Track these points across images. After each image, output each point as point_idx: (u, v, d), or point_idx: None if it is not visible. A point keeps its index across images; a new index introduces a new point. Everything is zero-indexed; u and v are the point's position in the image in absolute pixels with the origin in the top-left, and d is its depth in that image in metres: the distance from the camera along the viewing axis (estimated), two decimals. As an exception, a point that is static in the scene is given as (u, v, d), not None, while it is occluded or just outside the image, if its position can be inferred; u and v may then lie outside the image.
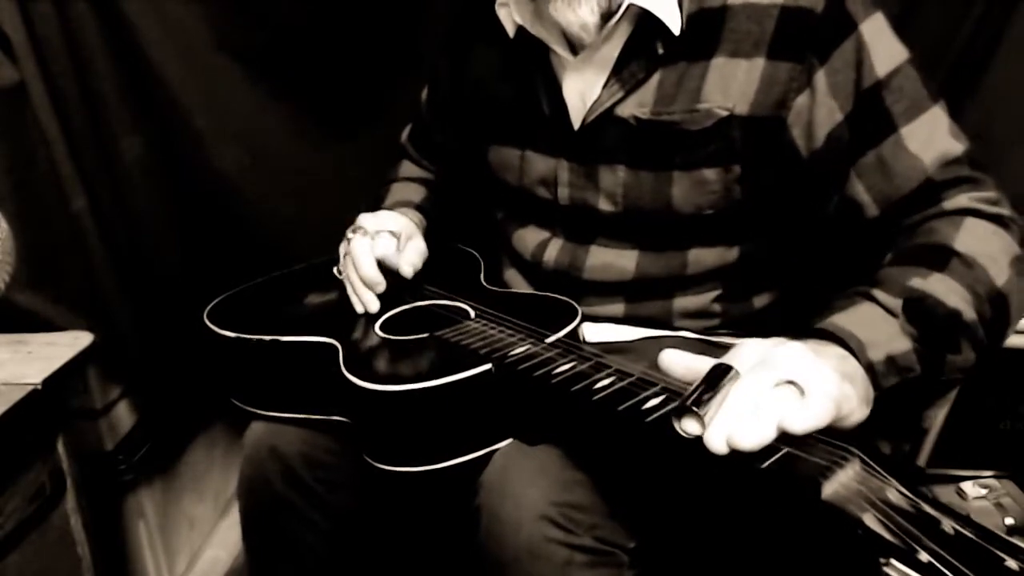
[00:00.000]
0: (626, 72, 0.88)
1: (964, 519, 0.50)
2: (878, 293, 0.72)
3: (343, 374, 0.80)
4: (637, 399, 0.66)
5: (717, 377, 0.59)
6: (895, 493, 0.53)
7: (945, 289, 0.71)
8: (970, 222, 0.77)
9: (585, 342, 0.92)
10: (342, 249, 1.03)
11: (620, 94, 0.88)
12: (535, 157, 0.97)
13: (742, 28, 0.82)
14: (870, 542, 0.48)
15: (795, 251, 0.97)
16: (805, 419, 0.56)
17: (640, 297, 0.96)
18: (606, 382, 0.70)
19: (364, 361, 0.83)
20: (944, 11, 1.10)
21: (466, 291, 1.00)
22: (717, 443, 0.56)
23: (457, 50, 1.08)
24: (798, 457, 0.57)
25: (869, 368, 0.66)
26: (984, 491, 1.14)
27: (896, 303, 0.71)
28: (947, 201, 0.79)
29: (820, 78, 0.81)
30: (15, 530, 0.98)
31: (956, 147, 0.80)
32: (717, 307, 0.96)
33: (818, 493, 0.53)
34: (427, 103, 1.19)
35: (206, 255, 1.30)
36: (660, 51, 0.85)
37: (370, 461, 0.81)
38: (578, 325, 0.87)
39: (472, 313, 0.93)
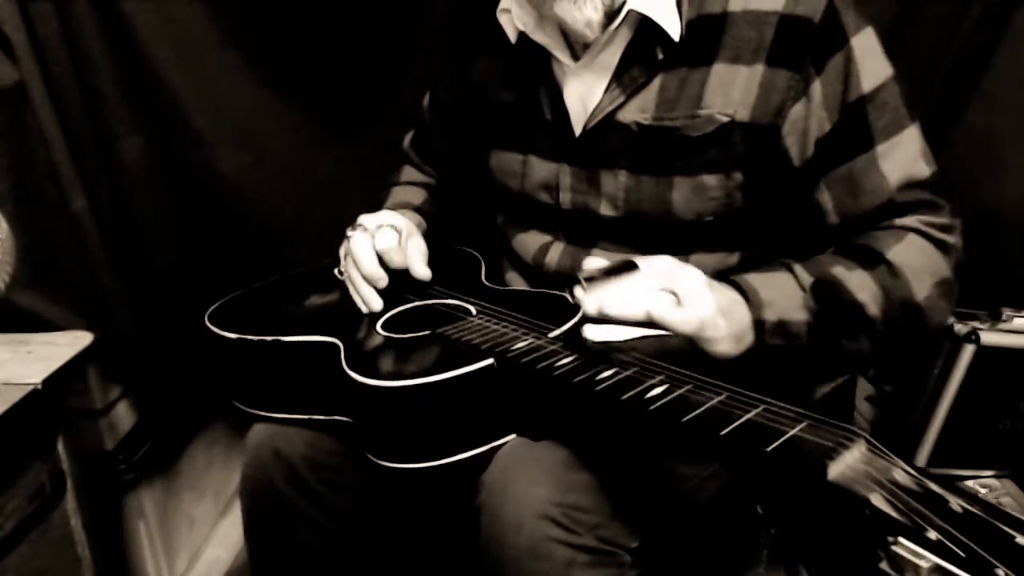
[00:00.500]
0: (626, 77, 0.88)
1: (972, 497, 0.50)
2: (797, 267, 0.82)
3: (345, 371, 0.80)
4: (640, 388, 0.68)
5: (620, 269, 0.74)
6: (901, 473, 0.54)
7: (860, 284, 0.80)
8: (911, 238, 0.83)
9: (586, 341, 0.92)
10: (342, 250, 1.03)
11: (621, 99, 0.89)
12: (537, 162, 0.98)
13: (742, 35, 0.83)
14: (878, 521, 0.49)
15: (795, 256, 0.97)
16: (671, 316, 0.70)
17: None
18: (608, 373, 0.71)
19: (366, 358, 0.83)
20: (944, 11, 1.10)
21: (468, 290, 1.00)
22: (590, 306, 0.71)
23: (458, 56, 1.08)
24: (804, 439, 0.58)
25: (758, 323, 0.78)
26: (984, 491, 1.14)
27: (808, 280, 0.80)
28: (899, 219, 0.84)
29: (816, 88, 0.82)
30: (15, 530, 0.98)
31: (923, 170, 0.84)
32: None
33: (824, 474, 0.54)
34: (428, 109, 1.19)
35: (206, 255, 1.30)
36: (660, 57, 0.86)
37: (373, 459, 0.81)
38: (580, 320, 0.88)
39: (474, 311, 0.93)
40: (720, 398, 0.66)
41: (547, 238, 1.01)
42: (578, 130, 0.93)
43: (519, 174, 1.00)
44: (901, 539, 0.47)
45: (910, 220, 0.84)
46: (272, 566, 1.00)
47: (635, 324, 0.71)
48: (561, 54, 0.91)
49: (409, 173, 1.24)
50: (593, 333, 0.96)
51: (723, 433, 0.60)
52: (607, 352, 0.76)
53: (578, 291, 0.73)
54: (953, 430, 1.11)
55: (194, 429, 1.54)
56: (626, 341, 0.92)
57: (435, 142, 1.19)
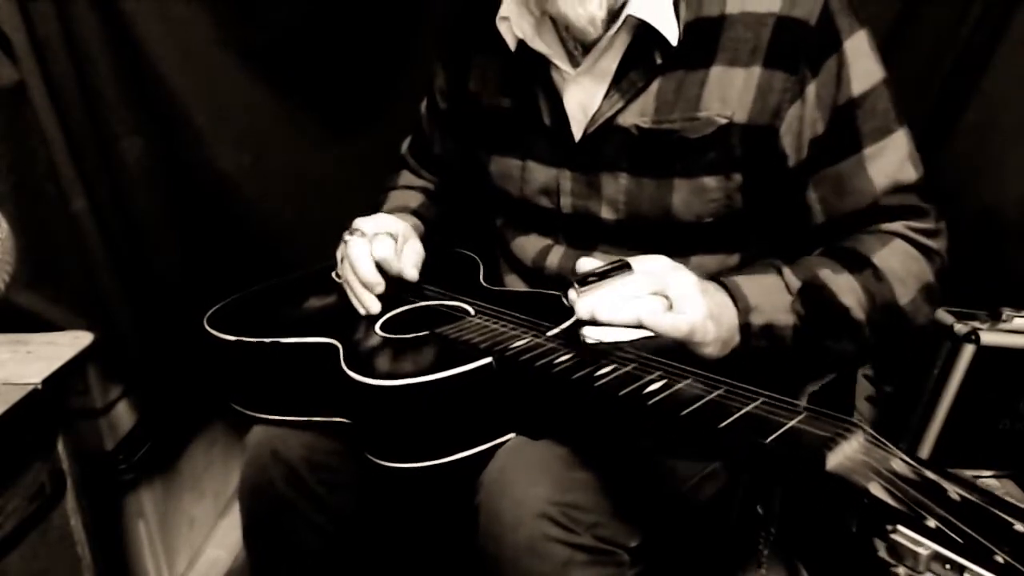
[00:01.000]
0: (625, 82, 0.88)
1: (970, 485, 0.50)
2: (786, 270, 0.82)
3: (344, 371, 0.80)
4: (638, 384, 0.68)
5: (612, 269, 0.73)
6: (900, 463, 0.54)
7: (846, 288, 0.81)
8: (897, 243, 0.84)
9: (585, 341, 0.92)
10: (339, 253, 1.03)
11: (620, 104, 0.89)
12: (536, 167, 0.98)
13: (740, 37, 0.83)
14: (877, 510, 0.49)
15: (795, 257, 0.97)
16: (661, 322, 0.70)
17: None
18: (607, 369, 0.72)
19: (365, 358, 0.83)
20: (944, 11, 1.10)
21: (466, 291, 1.01)
22: (583, 309, 0.71)
23: (456, 62, 1.08)
24: (803, 431, 0.58)
25: (745, 326, 0.78)
26: (984, 491, 1.14)
27: (796, 284, 0.81)
28: (885, 223, 0.85)
29: (811, 90, 0.83)
30: (15, 530, 0.98)
31: (911, 175, 0.85)
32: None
33: (822, 464, 0.54)
34: (426, 114, 1.19)
35: (206, 255, 1.30)
36: (658, 61, 0.86)
37: (373, 459, 0.81)
38: (578, 320, 0.88)
39: (472, 311, 0.93)
40: (718, 392, 0.66)
41: (547, 241, 1.01)
42: (578, 135, 0.93)
43: (518, 179, 1.00)
44: (900, 527, 0.48)
45: (896, 225, 0.85)
46: (272, 567, 1.00)
47: (627, 328, 0.71)
48: (560, 62, 0.91)
49: (407, 177, 1.24)
50: (591, 334, 0.96)
51: (722, 426, 0.60)
52: (605, 350, 0.76)
53: (571, 294, 0.74)
54: (953, 430, 1.10)
55: (194, 429, 1.54)
56: (623, 342, 0.92)
57: (433, 147, 1.20)
